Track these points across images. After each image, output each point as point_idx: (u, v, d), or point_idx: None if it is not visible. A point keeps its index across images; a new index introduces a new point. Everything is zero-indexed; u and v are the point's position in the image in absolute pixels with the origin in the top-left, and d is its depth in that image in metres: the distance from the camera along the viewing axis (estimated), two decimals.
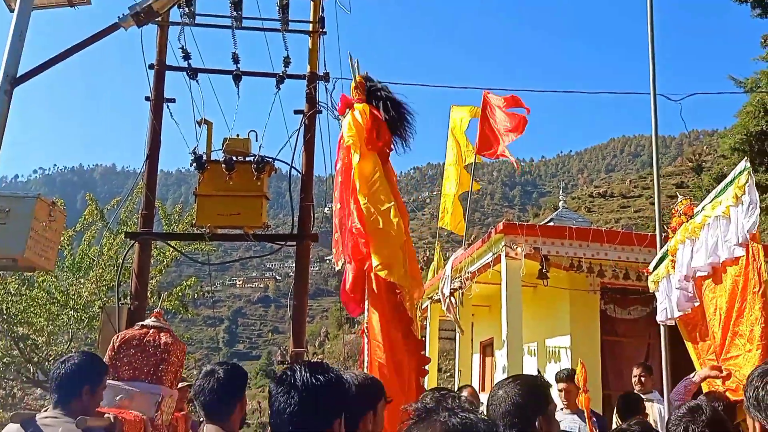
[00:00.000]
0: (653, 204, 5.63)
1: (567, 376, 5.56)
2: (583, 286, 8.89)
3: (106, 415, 3.15)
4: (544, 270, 7.76)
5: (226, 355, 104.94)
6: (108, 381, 3.60)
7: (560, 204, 16.37)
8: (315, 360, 2.05)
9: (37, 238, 3.70)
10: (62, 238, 12.26)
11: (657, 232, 6.51)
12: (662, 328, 5.94)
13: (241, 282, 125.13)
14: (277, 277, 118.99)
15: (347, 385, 1.93)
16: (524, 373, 7.81)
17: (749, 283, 4.09)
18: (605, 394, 8.83)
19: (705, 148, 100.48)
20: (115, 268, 11.27)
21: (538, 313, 9.62)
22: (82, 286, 12.13)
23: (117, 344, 3.75)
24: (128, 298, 7.76)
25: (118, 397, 3.57)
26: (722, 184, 4.40)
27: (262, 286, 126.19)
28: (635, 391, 6.16)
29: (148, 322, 3.98)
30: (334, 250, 5.25)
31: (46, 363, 12.47)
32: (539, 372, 7.84)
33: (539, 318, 9.69)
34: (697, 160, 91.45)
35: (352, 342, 76.65)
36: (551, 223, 12.21)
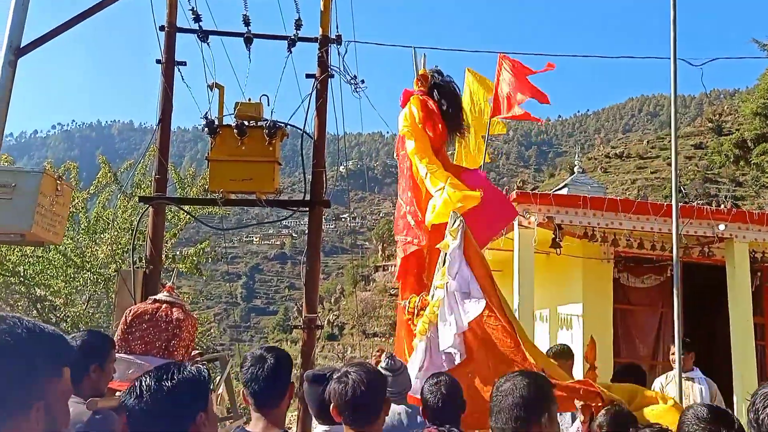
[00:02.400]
0: (671, 165, 5.48)
1: (556, 353, 5.47)
2: (597, 255, 8.82)
3: (117, 394, 3.17)
4: (557, 239, 7.69)
5: (244, 310, 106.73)
6: (121, 355, 3.62)
7: (576, 166, 16.17)
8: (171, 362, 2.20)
9: (44, 213, 3.69)
10: (77, 201, 12.38)
11: (673, 201, 6.39)
12: (676, 297, 5.78)
13: (257, 239, 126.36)
14: (294, 235, 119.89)
15: (200, 380, 1.97)
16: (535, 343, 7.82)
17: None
18: (616, 362, 8.83)
19: (726, 108, 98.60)
20: (130, 231, 11.36)
21: (551, 280, 9.59)
22: (98, 248, 12.27)
23: (129, 318, 3.77)
24: (143, 261, 7.84)
25: (130, 371, 3.60)
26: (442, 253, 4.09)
27: (278, 243, 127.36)
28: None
29: (161, 296, 3.99)
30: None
31: (64, 324, 12.69)
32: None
33: (552, 285, 9.66)
34: (717, 121, 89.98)
35: (366, 299, 77.50)
36: (566, 189, 12.09)
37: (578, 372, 7.84)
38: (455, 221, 3.96)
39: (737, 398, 7.80)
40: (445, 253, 4.01)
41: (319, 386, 3.05)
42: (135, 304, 7.06)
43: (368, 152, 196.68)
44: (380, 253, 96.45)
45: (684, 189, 66.20)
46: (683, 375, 5.83)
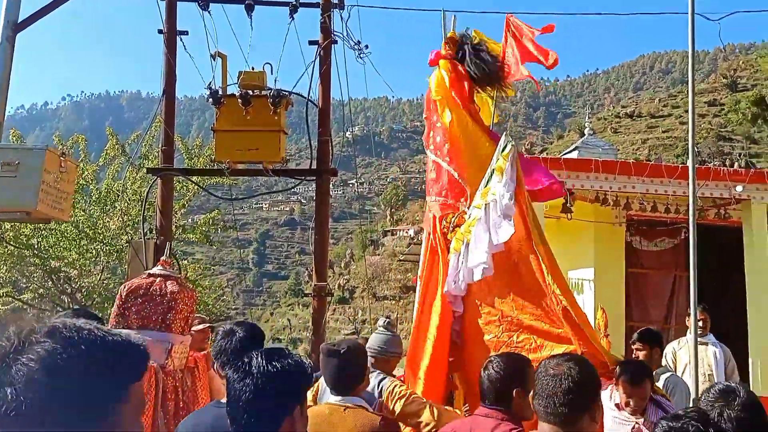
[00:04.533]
0: (683, 124, 5.32)
1: None
2: (609, 219, 8.72)
3: None
4: (568, 204, 7.59)
5: (255, 275, 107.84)
6: (119, 330, 3.63)
7: (586, 128, 15.96)
8: (277, 346, 2.05)
9: (49, 190, 3.65)
10: (87, 173, 12.40)
11: (690, 162, 6.25)
12: (692, 260, 5.66)
13: (267, 206, 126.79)
14: (302, 201, 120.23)
15: (305, 371, 1.92)
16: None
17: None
18: (628, 326, 8.81)
19: (741, 63, 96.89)
20: (140, 202, 11.37)
21: (562, 245, 9.47)
22: (109, 220, 12.34)
23: (124, 294, 3.76)
24: (154, 232, 7.84)
25: None
26: (489, 169, 3.94)
27: (287, 209, 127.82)
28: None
29: (155, 270, 3.97)
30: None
31: (79, 294, 12.83)
32: None
33: (563, 250, 9.52)
34: (732, 77, 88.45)
35: (376, 263, 77.91)
36: (576, 151, 11.94)
37: None
38: (507, 145, 3.84)
39: (752, 360, 7.78)
40: (491, 173, 3.93)
41: (333, 359, 3.10)
42: None
43: (374, 117, 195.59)
44: (388, 218, 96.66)
45: (697, 147, 65.20)
46: (699, 339, 5.80)
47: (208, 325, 5.44)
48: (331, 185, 8.20)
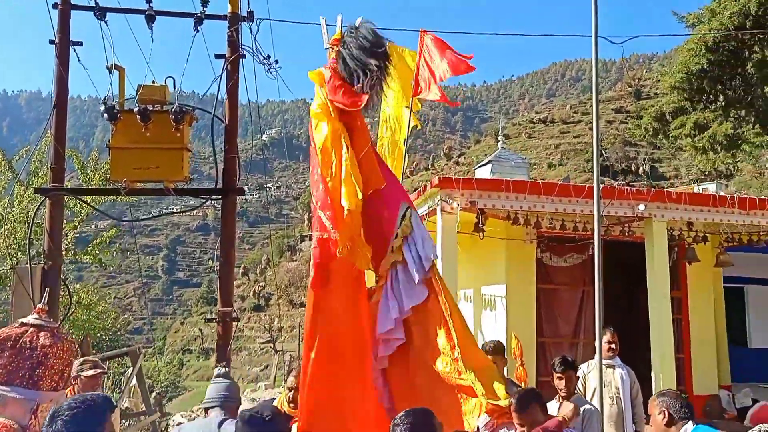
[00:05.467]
0: (592, 129, 5.32)
1: (493, 349, 5.30)
2: (520, 236, 8.81)
3: None
4: (480, 224, 7.57)
5: (165, 284, 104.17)
6: None
7: (500, 141, 16.17)
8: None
9: None
10: None
11: (595, 183, 6.33)
12: (597, 275, 5.67)
13: (177, 210, 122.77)
14: (216, 205, 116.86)
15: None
16: None
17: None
18: (539, 342, 8.92)
19: (644, 72, 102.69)
20: (27, 223, 10.52)
21: (475, 261, 9.53)
22: None
23: None
24: (41, 256, 7.28)
25: None
26: (390, 244, 3.84)
27: (200, 214, 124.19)
28: (605, 359, 5.80)
29: (29, 319, 3.57)
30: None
31: None
32: None
33: (476, 265, 9.61)
34: (636, 85, 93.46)
35: (293, 269, 76.86)
36: (489, 165, 12.06)
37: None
38: (407, 212, 3.83)
39: (654, 374, 7.99)
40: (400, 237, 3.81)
41: (254, 428, 2.85)
42: (33, 302, 6.54)
43: (292, 120, 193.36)
44: (306, 222, 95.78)
45: (605, 153, 68.43)
46: (606, 362, 5.86)
47: (101, 370, 5.01)
48: (246, 189, 7.87)
